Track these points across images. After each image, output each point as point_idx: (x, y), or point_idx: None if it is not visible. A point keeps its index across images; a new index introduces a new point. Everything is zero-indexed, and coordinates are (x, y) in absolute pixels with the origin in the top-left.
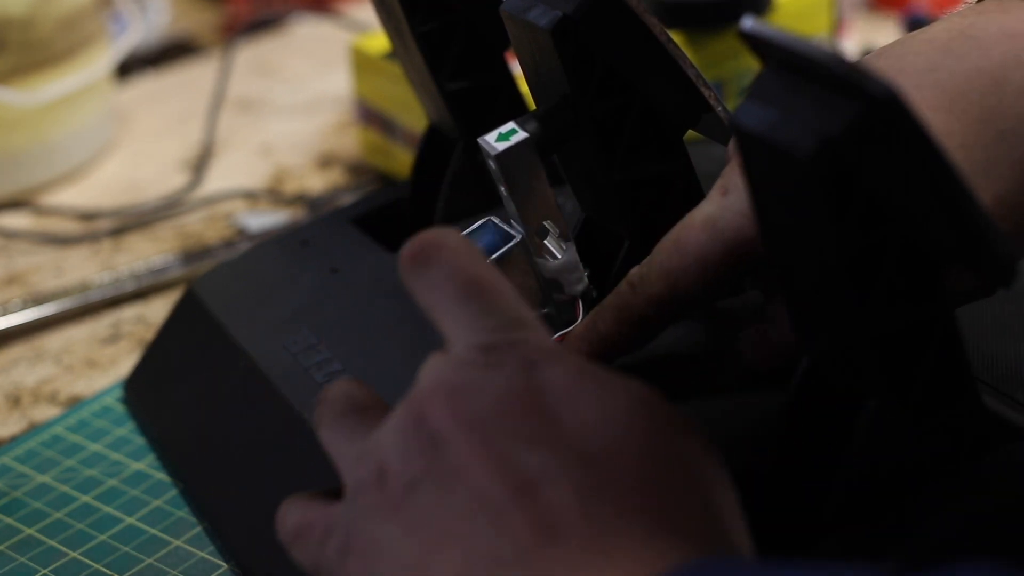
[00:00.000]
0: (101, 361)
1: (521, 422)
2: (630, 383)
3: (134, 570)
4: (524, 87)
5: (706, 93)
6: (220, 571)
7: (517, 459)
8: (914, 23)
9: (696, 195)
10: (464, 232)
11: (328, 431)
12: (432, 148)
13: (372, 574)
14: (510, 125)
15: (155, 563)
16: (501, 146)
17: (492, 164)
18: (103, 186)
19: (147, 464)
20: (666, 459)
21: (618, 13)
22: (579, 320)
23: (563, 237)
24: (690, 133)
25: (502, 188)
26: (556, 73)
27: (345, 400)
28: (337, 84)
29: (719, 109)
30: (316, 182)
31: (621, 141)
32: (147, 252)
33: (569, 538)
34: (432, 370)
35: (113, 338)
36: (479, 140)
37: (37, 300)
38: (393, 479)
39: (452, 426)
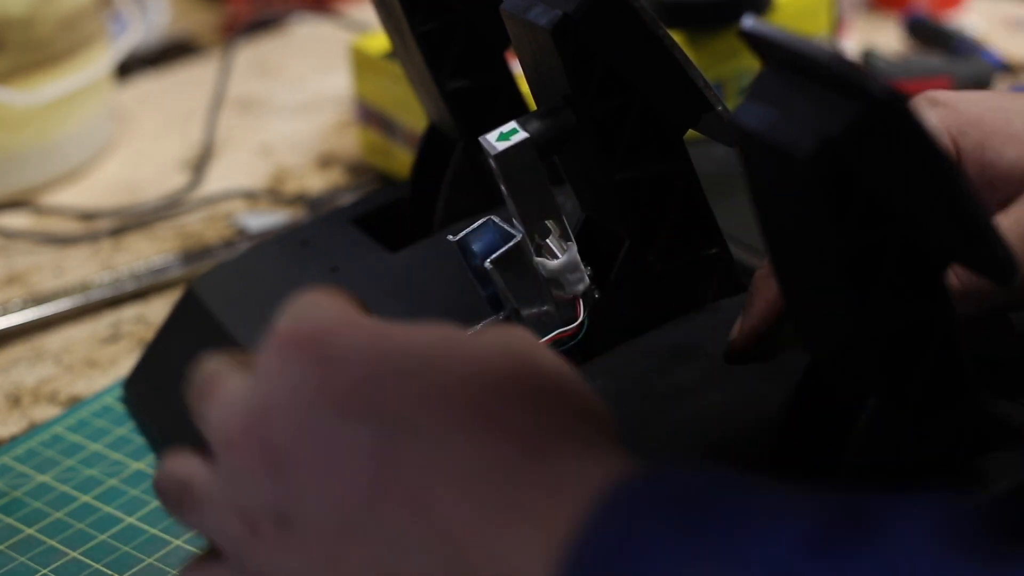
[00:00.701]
0: (101, 361)
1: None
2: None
3: (134, 570)
4: (524, 87)
5: (706, 93)
6: None
7: (356, 439)
8: (914, 23)
9: (696, 195)
10: (464, 232)
11: (188, 517)
12: (432, 148)
13: None
14: (511, 125)
15: (155, 563)
16: (502, 146)
17: (493, 164)
18: (103, 186)
19: (147, 464)
20: (516, 380)
21: (618, 13)
22: (579, 319)
23: (564, 237)
24: (690, 133)
25: (502, 187)
26: (556, 73)
27: (172, 484)
28: (337, 84)
29: (719, 108)
30: (316, 182)
31: (621, 141)
32: (147, 252)
33: (447, 503)
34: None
35: (113, 338)
36: (480, 140)
37: (37, 300)
38: (244, 529)
39: (285, 439)
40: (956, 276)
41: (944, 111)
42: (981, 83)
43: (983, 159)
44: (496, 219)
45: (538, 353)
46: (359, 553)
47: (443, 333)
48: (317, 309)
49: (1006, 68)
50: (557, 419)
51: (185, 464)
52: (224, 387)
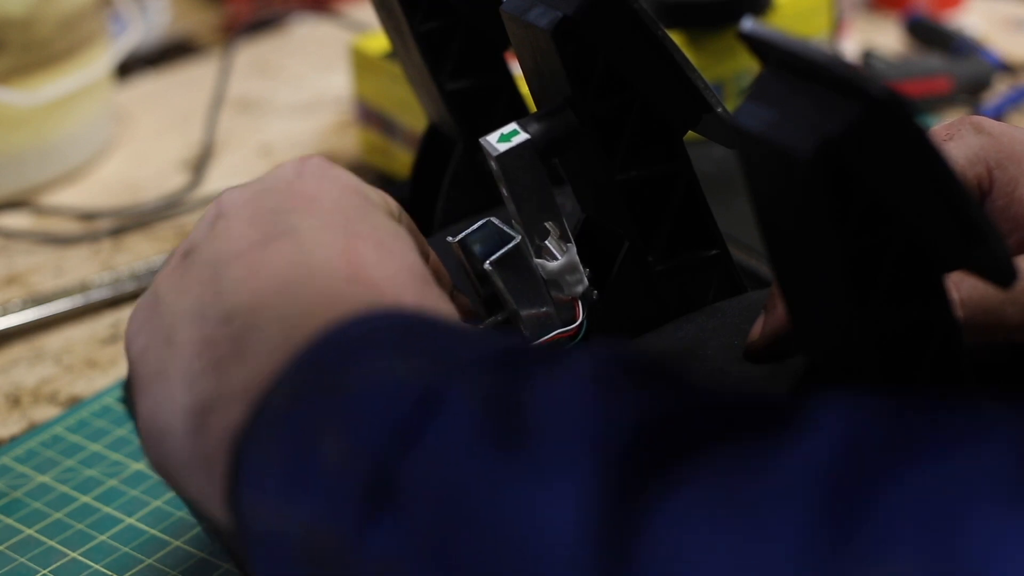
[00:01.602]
0: (101, 361)
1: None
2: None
3: (134, 570)
4: (524, 87)
5: (706, 94)
6: (220, 571)
7: (271, 219)
8: (914, 23)
9: (696, 196)
10: (464, 233)
11: None
12: (432, 148)
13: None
14: (512, 126)
15: (155, 563)
16: (503, 147)
17: (493, 165)
18: (103, 186)
19: (147, 464)
20: (411, 267)
21: (618, 14)
22: (579, 320)
23: (563, 238)
24: (690, 134)
25: (503, 189)
26: (556, 74)
27: None
28: (337, 84)
29: (719, 110)
30: None
31: (621, 142)
32: (147, 252)
33: (268, 281)
34: None
35: (113, 338)
36: (480, 141)
37: (37, 300)
38: (175, 254)
39: (230, 205)
40: (956, 288)
41: (987, 140)
42: (981, 83)
43: (1014, 194)
44: (496, 220)
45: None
46: (203, 284)
47: (396, 229)
48: (329, 162)
49: (1006, 68)
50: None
51: None
52: None
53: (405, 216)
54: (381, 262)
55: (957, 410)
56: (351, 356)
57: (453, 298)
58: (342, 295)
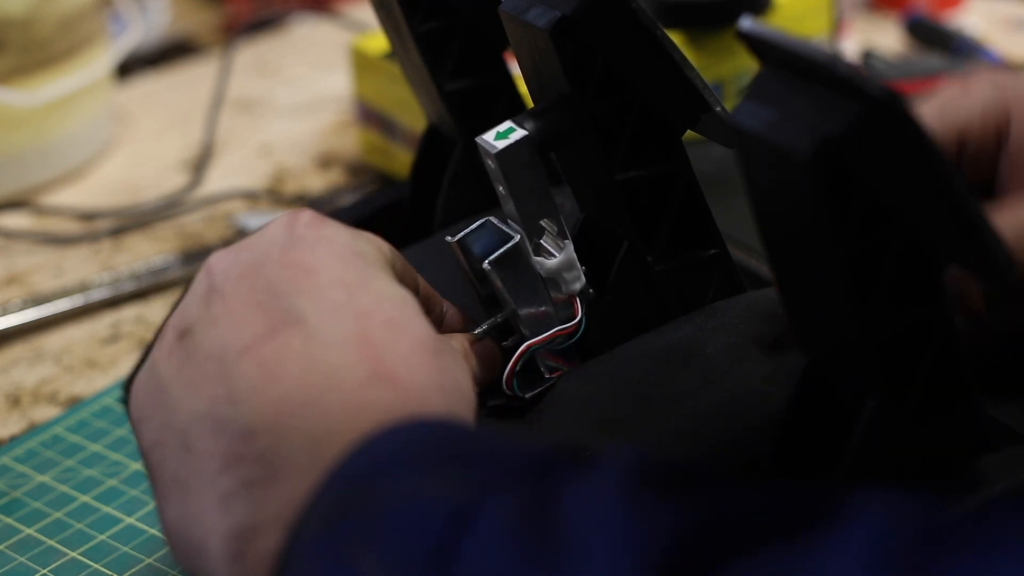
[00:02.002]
0: (101, 361)
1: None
2: (390, 278)
3: (133, 570)
4: (524, 87)
5: (705, 93)
6: None
7: (273, 303)
8: (914, 23)
9: (695, 195)
10: (462, 233)
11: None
12: (432, 148)
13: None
14: (508, 124)
15: (154, 563)
16: (500, 144)
17: (490, 163)
18: (103, 186)
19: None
20: (421, 342)
21: (617, 13)
22: (577, 318)
23: (560, 235)
24: (690, 133)
25: (500, 187)
26: (555, 73)
27: None
28: (337, 84)
29: (718, 109)
30: (316, 182)
31: (621, 141)
32: (147, 252)
33: (284, 382)
34: None
35: (113, 338)
36: (477, 139)
37: (37, 300)
38: (170, 331)
39: (223, 279)
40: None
41: (1004, 89)
42: None
43: None
44: (494, 219)
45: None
46: (215, 382)
47: (395, 292)
48: (320, 218)
49: (1006, 68)
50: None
51: None
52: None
53: (398, 258)
54: (395, 345)
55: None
56: (382, 475)
57: (446, 312)
58: (365, 402)
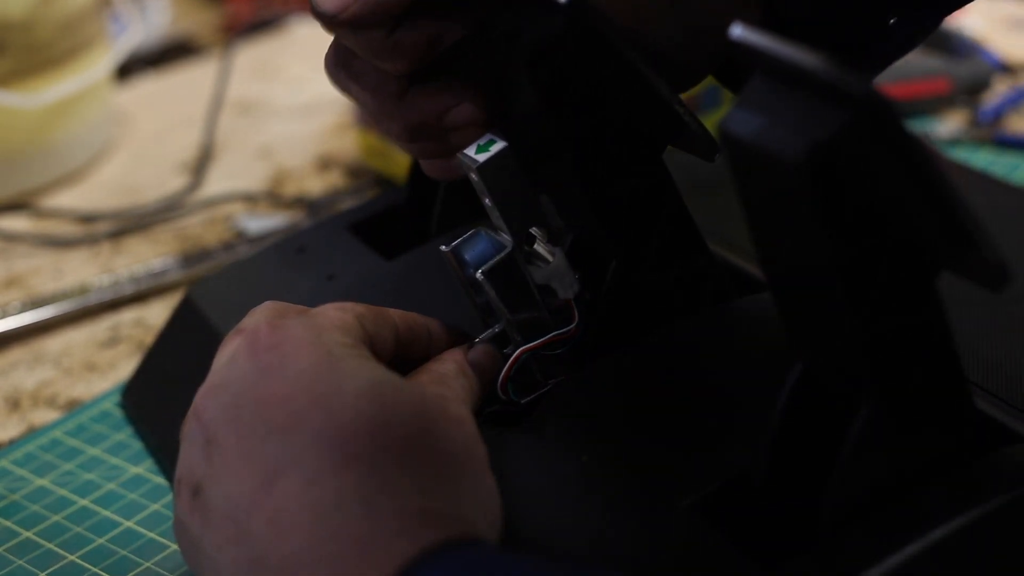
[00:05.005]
0: (100, 364)
1: (262, 411)
2: (362, 365)
3: (132, 573)
4: None
5: (679, 110)
6: None
7: (263, 449)
8: None
9: (679, 210)
10: (455, 242)
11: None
12: None
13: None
14: (487, 137)
15: (153, 567)
16: (481, 158)
17: (474, 176)
18: (103, 188)
19: (145, 468)
20: (407, 439)
21: (590, 39)
22: (576, 321)
23: (551, 241)
24: None
25: (486, 200)
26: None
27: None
28: None
29: (694, 127)
30: (315, 184)
31: (600, 160)
32: (146, 255)
33: (297, 536)
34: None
35: (112, 341)
36: (458, 154)
37: (36, 303)
38: (184, 488)
39: (214, 428)
40: None
41: None
42: (980, 84)
43: None
44: (485, 229)
45: (439, 423)
46: (236, 545)
47: (370, 384)
48: (287, 317)
49: (1005, 68)
50: (417, 483)
51: None
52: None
53: (366, 319)
54: (381, 468)
55: None
56: None
57: (432, 335)
58: (377, 552)
